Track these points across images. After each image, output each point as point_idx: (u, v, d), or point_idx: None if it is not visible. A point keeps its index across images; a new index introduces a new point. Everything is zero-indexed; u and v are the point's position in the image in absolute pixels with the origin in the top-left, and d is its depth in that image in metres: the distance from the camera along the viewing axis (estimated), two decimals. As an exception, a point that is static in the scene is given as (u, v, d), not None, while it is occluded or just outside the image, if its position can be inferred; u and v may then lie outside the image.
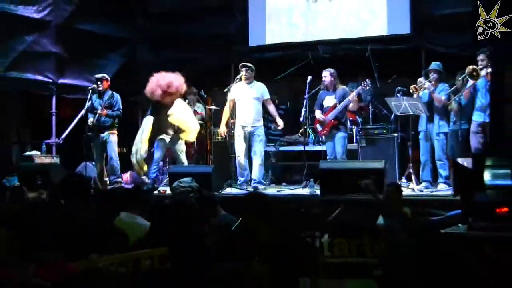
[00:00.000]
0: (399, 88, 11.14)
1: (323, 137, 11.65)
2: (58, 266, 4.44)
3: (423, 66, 11.73)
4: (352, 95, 11.23)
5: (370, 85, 11.64)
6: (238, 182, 11.36)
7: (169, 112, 11.85)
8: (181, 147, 12.09)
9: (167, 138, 11.97)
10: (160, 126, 12.07)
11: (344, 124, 11.33)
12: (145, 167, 12.18)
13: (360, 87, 11.48)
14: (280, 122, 11.63)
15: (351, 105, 11.46)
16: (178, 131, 11.91)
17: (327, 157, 11.29)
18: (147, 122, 12.39)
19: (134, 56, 15.17)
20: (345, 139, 11.25)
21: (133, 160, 12.31)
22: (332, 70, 11.41)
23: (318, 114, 11.36)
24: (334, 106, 11.20)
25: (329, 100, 11.34)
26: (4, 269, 4.20)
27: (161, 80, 11.92)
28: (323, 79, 11.39)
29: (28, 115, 14.86)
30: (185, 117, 11.95)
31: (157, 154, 12.04)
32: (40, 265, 4.44)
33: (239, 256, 4.89)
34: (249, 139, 11.36)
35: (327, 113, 11.24)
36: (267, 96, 11.55)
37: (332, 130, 11.20)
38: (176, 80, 11.96)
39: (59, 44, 13.45)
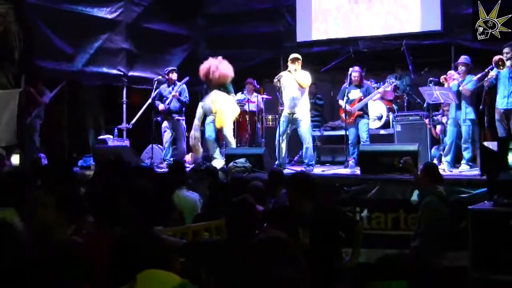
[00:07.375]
0: (431, 79, 11.00)
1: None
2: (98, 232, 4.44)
3: (452, 59, 11.57)
4: (377, 91, 11.66)
5: (393, 83, 12.06)
6: (277, 162, 10.96)
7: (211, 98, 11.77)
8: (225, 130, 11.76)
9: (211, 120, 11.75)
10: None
11: (367, 113, 11.51)
12: (200, 150, 12.06)
13: (383, 85, 11.95)
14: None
15: (377, 96, 11.86)
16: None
17: (349, 141, 11.37)
18: (198, 110, 12.13)
19: (195, 51, 15.12)
20: (367, 125, 11.40)
21: (190, 143, 12.25)
22: (360, 68, 11.53)
23: (343, 104, 11.27)
24: (359, 99, 11.30)
25: (354, 94, 11.41)
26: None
27: (206, 64, 11.94)
28: (353, 75, 11.39)
29: (103, 103, 15.04)
30: (220, 105, 11.69)
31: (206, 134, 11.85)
32: (79, 227, 4.47)
33: (285, 226, 4.85)
34: (294, 124, 11.11)
35: (353, 104, 11.31)
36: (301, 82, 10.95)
37: (356, 118, 11.33)
38: (219, 68, 11.84)
39: (129, 41, 13.61)
